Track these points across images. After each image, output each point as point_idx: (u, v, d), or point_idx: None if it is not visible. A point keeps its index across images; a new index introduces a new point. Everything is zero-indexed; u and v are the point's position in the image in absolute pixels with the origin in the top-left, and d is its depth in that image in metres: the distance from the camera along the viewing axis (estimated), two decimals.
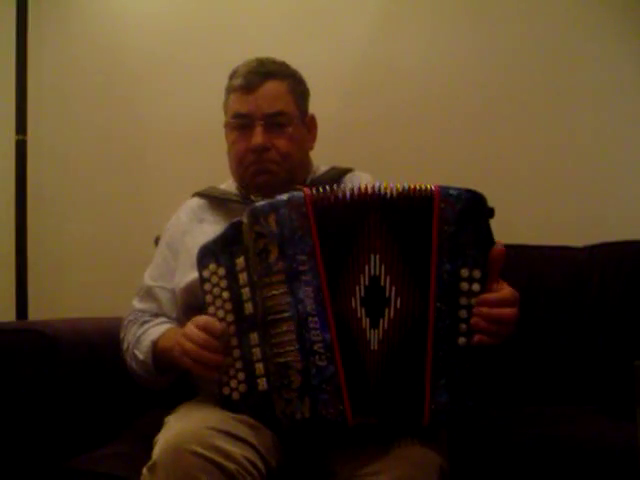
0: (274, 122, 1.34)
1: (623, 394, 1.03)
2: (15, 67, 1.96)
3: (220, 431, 1.02)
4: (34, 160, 1.99)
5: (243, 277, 1.09)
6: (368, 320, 1.05)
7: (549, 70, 1.95)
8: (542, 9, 1.96)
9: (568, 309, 1.65)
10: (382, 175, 1.13)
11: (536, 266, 1.69)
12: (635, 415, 0.88)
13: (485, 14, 1.97)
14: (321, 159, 1.48)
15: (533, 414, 1.47)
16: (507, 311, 1.04)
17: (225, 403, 1.10)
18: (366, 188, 1.06)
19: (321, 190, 1.07)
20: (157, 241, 1.56)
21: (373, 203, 1.06)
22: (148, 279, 1.41)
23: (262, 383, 1.08)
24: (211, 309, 1.11)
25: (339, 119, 1.90)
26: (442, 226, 1.04)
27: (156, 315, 1.38)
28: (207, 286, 1.11)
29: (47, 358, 1.29)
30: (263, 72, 1.35)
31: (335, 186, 1.09)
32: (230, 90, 1.39)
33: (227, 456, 0.99)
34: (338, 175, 1.42)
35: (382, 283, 1.05)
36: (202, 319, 1.10)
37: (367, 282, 1.05)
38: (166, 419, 1.16)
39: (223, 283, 1.10)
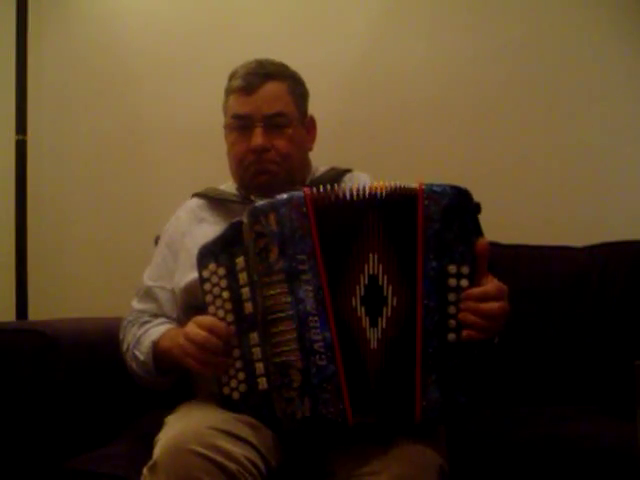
0: (274, 123, 1.34)
1: (623, 394, 1.03)
2: (15, 67, 1.96)
3: (221, 431, 1.02)
4: (34, 160, 1.99)
5: (243, 277, 1.09)
6: (368, 319, 1.05)
7: (549, 70, 1.95)
8: (542, 9, 1.96)
9: (568, 309, 1.65)
10: (381, 175, 1.13)
11: (536, 266, 1.69)
12: (635, 415, 0.89)
13: (485, 14, 1.97)
14: (320, 159, 1.48)
15: (533, 414, 1.47)
16: (494, 305, 1.04)
17: (225, 403, 1.10)
18: (364, 188, 1.07)
19: (321, 190, 1.08)
20: (157, 241, 1.55)
21: (370, 202, 1.06)
22: (147, 279, 1.41)
23: (262, 383, 1.08)
24: (211, 309, 1.11)
25: (339, 119, 1.90)
26: (427, 223, 1.04)
27: (156, 315, 1.37)
28: (207, 286, 1.11)
29: (47, 358, 1.29)
30: (262, 73, 1.35)
31: (335, 186, 1.09)
32: (230, 91, 1.39)
33: (228, 456, 0.99)
34: (337, 176, 1.42)
35: (380, 282, 1.05)
36: (206, 320, 1.10)
37: (366, 281, 1.05)
38: (166, 419, 1.16)
39: (223, 283, 1.10)
